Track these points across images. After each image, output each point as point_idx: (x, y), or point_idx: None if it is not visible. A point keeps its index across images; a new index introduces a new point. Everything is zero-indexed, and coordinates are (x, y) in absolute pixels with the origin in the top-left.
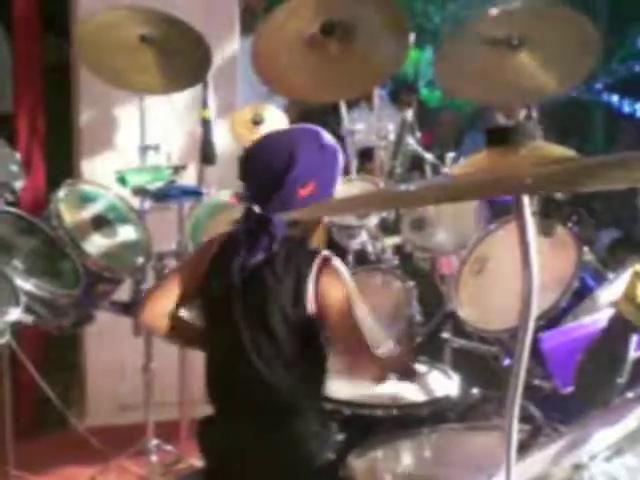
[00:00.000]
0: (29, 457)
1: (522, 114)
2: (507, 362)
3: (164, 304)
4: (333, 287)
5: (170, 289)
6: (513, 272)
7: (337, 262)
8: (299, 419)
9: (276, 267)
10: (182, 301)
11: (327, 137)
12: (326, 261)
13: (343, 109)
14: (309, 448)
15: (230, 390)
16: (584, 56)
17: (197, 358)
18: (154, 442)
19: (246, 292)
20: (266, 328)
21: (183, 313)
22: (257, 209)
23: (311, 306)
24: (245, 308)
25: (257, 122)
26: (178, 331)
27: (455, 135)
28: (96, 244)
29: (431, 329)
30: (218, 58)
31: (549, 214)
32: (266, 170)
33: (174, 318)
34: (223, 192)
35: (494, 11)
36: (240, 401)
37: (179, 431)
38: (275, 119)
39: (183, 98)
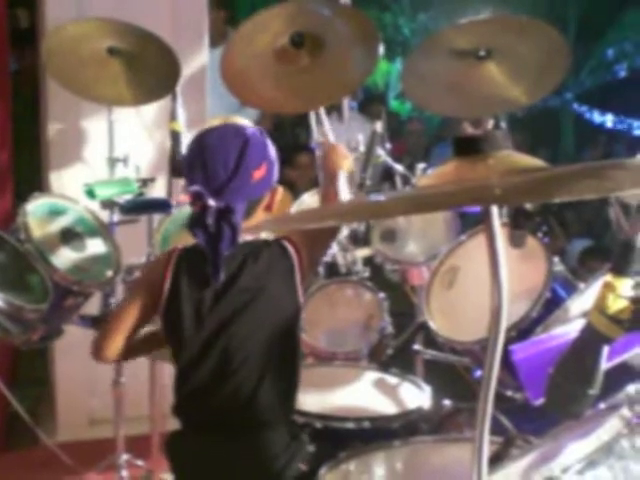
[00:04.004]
0: None
1: (490, 123)
2: (478, 373)
3: (121, 341)
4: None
5: (125, 324)
6: (484, 283)
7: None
8: (271, 432)
9: (252, 268)
10: (139, 329)
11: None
12: (289, 240)
13: (313, 121)
14: (281, 461)
15: (203, 404)
16: (553, 67)
17: (167, 372)
18: (125, 457)
19: (222, 301)
20: (245, 336)
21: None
22: (212, 202)
23: (300, 288)
24: (220, 319)
25: None
26: (137, 351)
27: (424, 144)
28: (65, 258)
29: (402, 341)
30: (187, 70)
31: (519, 225)
32: (223, 155)
33: (131, 346)
34: None
35: (462, 23)
36: (212, 415)
37: (150, 446)
38: None
39: (152, 110)
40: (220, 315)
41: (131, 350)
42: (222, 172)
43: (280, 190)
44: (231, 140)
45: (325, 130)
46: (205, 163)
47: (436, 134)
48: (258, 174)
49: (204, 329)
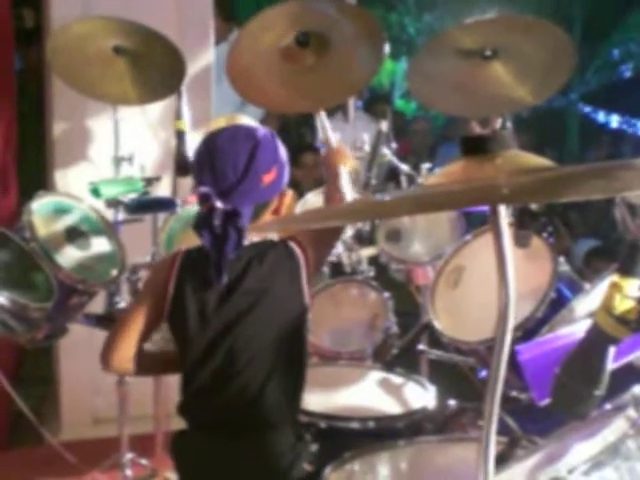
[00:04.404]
0: (2, 471)
1: (498, 123)
2: (483, 373)
3: (130, 346)
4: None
5: (134, 328)
6: (489, 283)
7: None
8: (276, 432)
9: (256, 270)
10: (147, 333)
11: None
12: (296, 241)
13: (318, 121)
14: (285, 461)
15: (208, 404)
16: (559, 67)
17: None
18: (129, 456)
19: (227, 302)
20: (251, 337)
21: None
22: (220, 204)
23: (306, 289)
24: (225, 320)
25: None
26: (147, 366)
27: (429, 144)
28: (70, 256)
29: (407, 340)
30: (192, 69)
31: (524, 225)
32: (232, 158)
33: (141, 356)
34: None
35: (468, 22)
36: (218, 415)
37: (154, 445)
38: None
39: (157, 109)
40: (225, 316)
41: (141, 364)
42: (231, 174)
43: (289, 194)
44: (242, 142)
45: (327, 132)
46: (214, 164)
47: (441, 134)
48: (268, 178)
49: (209, 330)
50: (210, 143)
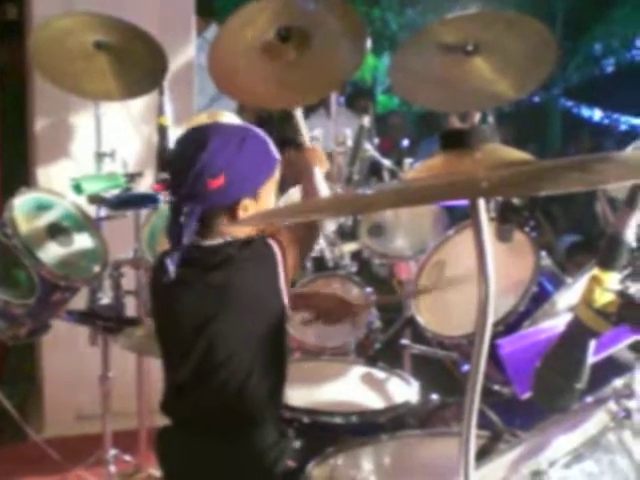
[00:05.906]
0: None
1: (477, 117)
2: (466, 368)
3: None
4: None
5: None
6: (471, 278)
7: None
8: (259, 429)
9: (233, 267)
10: None
11: (257, 137)
12: (274, 238)
13: (297, 117)
14: (268, 458)
15: (188, 402)
16: (540, 62)
17: (154, 367)
18: (112, 452)
19: (203, 299)
20: (228, 334)
21: None
22: (172, 196)
23: (284, 287)
24: (203, 317)
25: None
26: None
27: (406, 138)
28: (52, 253)
29: (390, 335)
30: (174, 64)
31: (507, 219)
32: (179, 154)
33: None
34: None
35: (450, 17)
36: (199, 412)
37: (138, 441)
38: None
39: (139, 105)
40: (202, 312)
41: None
42: (177, 173)
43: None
44: (191, 144)
45: (303, 131)
46: (171, 161)
47: (422, 126)
48: (214, 184)
49: (185, 327)
50: (179, 138)
